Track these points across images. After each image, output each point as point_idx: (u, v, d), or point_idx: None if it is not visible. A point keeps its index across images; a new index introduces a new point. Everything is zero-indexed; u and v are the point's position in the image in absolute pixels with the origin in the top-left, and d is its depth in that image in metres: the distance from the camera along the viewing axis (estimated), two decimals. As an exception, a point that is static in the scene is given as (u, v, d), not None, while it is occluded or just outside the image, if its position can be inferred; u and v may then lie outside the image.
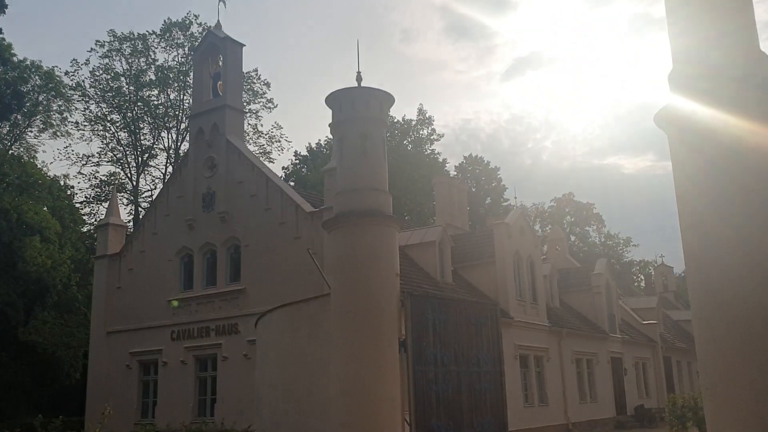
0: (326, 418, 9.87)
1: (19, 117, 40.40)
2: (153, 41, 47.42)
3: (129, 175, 48.54)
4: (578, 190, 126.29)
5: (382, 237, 9.98)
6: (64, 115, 44.15)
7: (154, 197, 37.94)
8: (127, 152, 48.19)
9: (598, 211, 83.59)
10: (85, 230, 46.94)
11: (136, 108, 47.33)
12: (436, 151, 58.55)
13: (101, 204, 47.12)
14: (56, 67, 42.78)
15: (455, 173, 59.99)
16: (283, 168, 58.27)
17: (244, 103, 39.95)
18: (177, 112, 47.40)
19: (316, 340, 10.44)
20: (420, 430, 9.12)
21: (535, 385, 28.81)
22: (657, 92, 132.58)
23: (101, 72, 46.37)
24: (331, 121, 14.04)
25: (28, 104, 39.39)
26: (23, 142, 42.75)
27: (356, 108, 12.13)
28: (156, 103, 47.75)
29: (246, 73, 45.50)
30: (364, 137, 11.39)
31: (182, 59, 46.95)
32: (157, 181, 48.75)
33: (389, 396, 9.49)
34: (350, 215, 10.02)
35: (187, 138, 39.63)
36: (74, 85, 45.49)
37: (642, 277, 77.44)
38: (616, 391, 35.45)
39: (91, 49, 46.12)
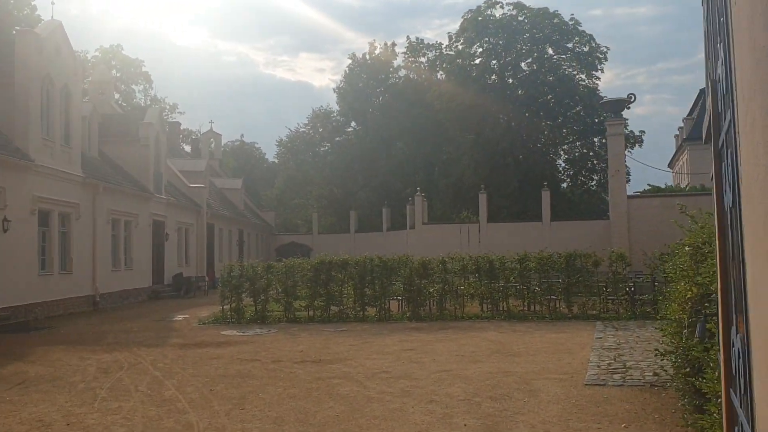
0: None
1: None
2: None
3: None
4: (129, 50, 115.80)
5: None
6: None
7: None
8: None
9: (147, 70, 76.65)
10: None
11: None
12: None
13: None
14: None
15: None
16: None
17: None
18: None
19: None
20: None
21: (57, 249, 22.54)
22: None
23: None
24: None
25: None
26: None
27: None
28: None
29: None
30: None
31: None
32: None
33: None
34: None
35: None
36: None
37: (189, 147, 74.42)
38: (155, 258, 31.18)
39: None
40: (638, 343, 12.50)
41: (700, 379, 4.85)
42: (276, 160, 69.89)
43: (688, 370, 6.27)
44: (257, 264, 19.91)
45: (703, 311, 4.44)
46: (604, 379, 9.05)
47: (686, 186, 32.24)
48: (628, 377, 9.14)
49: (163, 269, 32.12)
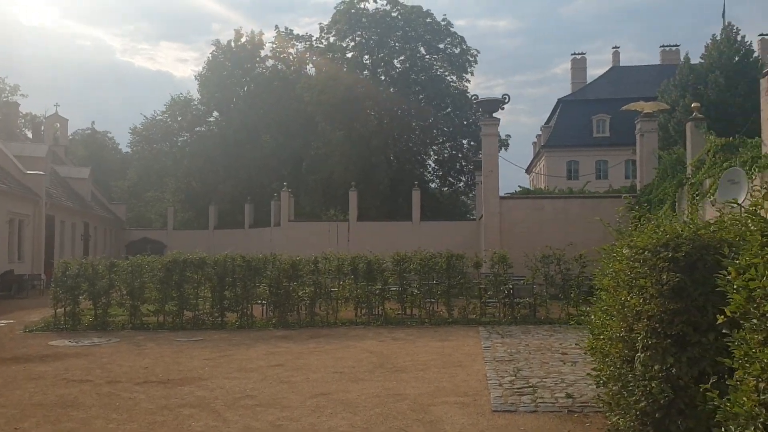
0: None
1: None
2: None
3: None
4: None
5: None
6: None
7: None
8: None
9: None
10: None
11: None
12: None
13: None
14: None
15: None
16: None
17: None
18: None
19: None
20: None
21: None
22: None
23: None
24: None
25: None
26: None
27: None
28: None
29: None
30: None
31: None
32: None
33: None
34: None
35: None
36: None
37: (30, 132, 67.47)
38: (-21, 254, 27.00)
39: None
40: (532, 354, 11.43)
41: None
42: (130, 150, 64.73)
43: (644, 404, 4.98)
44: (98, 261, 17.15)
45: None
46: (513, 403, 7.72)
47: (555, 189, 32.53)
48: (540, 400, 7.88)
49: (-10, 266, 27.94)
